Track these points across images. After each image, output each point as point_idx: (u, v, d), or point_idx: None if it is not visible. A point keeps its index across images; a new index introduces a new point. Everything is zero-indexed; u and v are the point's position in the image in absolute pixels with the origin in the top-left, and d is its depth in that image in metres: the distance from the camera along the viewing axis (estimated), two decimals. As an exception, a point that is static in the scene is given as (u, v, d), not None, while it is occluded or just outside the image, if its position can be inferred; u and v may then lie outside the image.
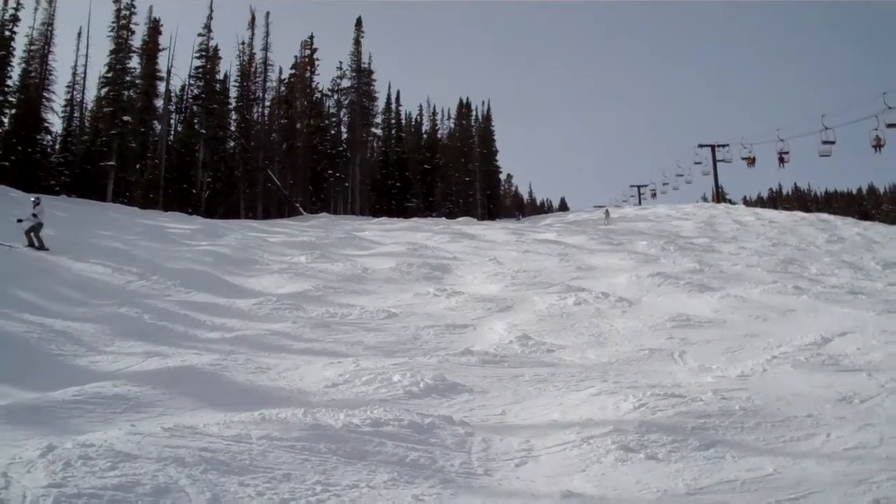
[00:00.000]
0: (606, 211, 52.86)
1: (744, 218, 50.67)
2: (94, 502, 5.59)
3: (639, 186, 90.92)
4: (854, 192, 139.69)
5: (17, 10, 48.25)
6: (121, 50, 51.84)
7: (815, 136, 46.56)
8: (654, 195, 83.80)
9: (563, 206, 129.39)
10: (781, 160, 52.52)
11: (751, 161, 58.79)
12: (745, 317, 17.13)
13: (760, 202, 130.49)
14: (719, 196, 72.57)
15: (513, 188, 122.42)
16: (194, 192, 55.35)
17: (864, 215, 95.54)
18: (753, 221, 48.29)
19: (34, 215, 21.65)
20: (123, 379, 10.54)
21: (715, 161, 68.29)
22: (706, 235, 39.77)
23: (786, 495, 6.51)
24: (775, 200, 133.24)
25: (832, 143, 43.86)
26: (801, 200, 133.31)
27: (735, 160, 63.41)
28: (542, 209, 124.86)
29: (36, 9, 52.21)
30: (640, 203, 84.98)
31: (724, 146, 66.67)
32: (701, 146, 69.18)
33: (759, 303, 18.62)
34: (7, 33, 47.62)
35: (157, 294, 18.76)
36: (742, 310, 17.85)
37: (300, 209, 57.87)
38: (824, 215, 56.78)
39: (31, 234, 21.51)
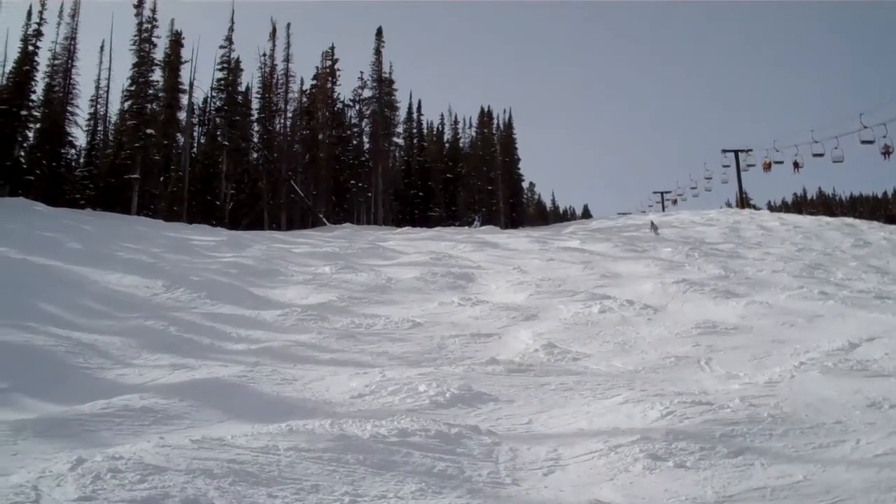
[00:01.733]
0: (652, 222, 49.67)
1: (768, 223, 50.36)
2: (125, 515, 5.64)
3: (662, 193, 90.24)
4: (879, 195, 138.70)
5: (40, 24, 48.67)
6: (143, 63, 52.13)
7: (847, 139, 46.23)
8: (674, 202, 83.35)
9: (587, 214, 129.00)
10: (796, 165, 52.23)
11: (767, 166, 58.51)
12: (772, 323, 17.03)
13: (785, 207, 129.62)
14: (743, 201, 72.16)
15: (536, 196, 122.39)
16: (218, 203, 55.52)
17: (890, 219, 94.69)
18: (778, 227, 47.99)
19: None
20: (151, 391, 10.60)
21: (738, 166, 67.94)
22: (731, 241, 39.54)
23: (816, 502, 6.48)
24: (799, 205, 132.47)
25: (871, 142, 43.16)
26: (825, 205, 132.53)
27: (759, 165, 63.04)
28: (566, 217, 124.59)
29: (59, 23, 52.66)
30: (664, 209, 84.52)
31: (748, 151, 66.34)
32: (725, 151, 68.78)
33: (786, 309, 18.52)
34: (31, 48, 48.07)
35: (183, 306, 18.83)
36: (768, 316, 17.75)
37: (323, 220, 57.91)
38: (849, 219, 56.37)
39: None
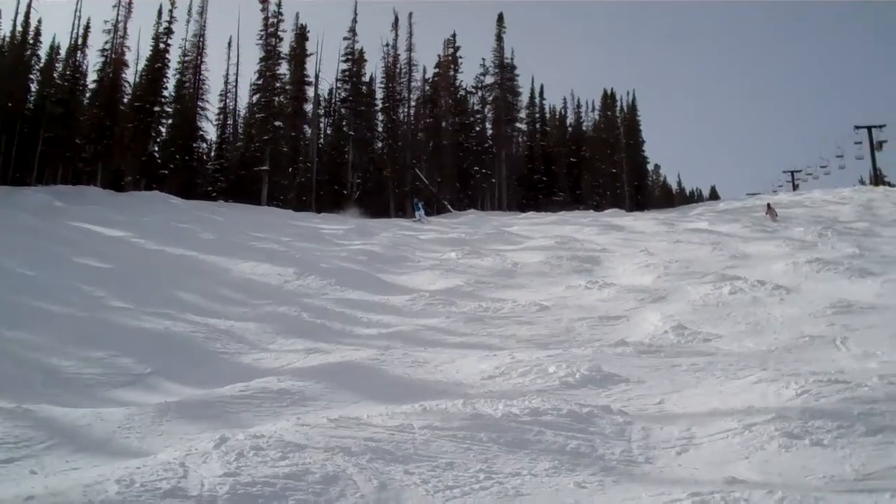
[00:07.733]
0: (768, 205, 46.01)
1: (905, 200, 48.75)
2: (268, 490, 5.83)
3: (792, 172, 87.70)
4: None
5: (170, 23, 50.54)
6: (270, 57, 53.41)
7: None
8: (797, 186, 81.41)
9: (714, 195, 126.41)
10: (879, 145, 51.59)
11: (877, 145, 58.04)
12: (911, 301, 16.51)
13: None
14: (878, 179, 69.92)
15: (661, 178, 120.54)
16: (345, 193, 56.40)
17: None
18: (916, 203, 46.43)
19: None
20: (287, 374, 10.91)
21: (872, 143, 65.88)
22: (865, 220, 38.32)
23: (962, 481, 6.31)
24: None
25: None
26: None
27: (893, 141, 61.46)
28: (692, 199, 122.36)
29: (188, 21, 54.47)
30: (794, 189, 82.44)
31: (881, 127, 64.33)
32: (857, 127, 66.83)
33: (925, 287, 17.92)
34: (162, 46, 49.77)
35: (314, 293, 19.22)
36: (906, 294, 17.21)
37: (448, 206, 58.24)
38: None
39: None
